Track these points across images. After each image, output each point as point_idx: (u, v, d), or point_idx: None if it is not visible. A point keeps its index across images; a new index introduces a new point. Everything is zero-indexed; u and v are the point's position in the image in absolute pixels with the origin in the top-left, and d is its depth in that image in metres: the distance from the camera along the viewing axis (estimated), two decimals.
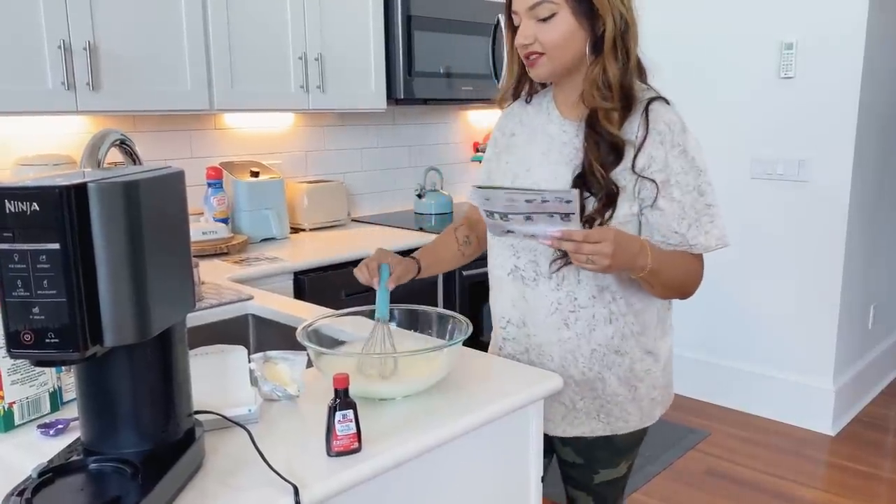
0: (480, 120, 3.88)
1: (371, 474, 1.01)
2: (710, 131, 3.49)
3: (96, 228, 0.79)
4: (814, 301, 3.28)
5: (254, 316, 1.85)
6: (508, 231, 1.24)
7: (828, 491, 2.82)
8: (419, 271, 1.49)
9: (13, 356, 0.79)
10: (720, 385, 3.59)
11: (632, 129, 1.32)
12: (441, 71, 3.12)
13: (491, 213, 1.22)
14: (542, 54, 1.33)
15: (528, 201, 1.16)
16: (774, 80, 3.27)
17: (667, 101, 1.37)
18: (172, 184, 0.91)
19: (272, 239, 2.80)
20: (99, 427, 0.91)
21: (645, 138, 1.31)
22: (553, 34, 1.31)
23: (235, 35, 2.52)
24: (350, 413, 1.01)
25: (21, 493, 0.81)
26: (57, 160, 2.30)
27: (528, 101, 1.49)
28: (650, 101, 1.34)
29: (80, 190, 0.78)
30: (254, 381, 1.18)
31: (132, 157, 1.52)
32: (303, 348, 1.22)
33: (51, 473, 0.86)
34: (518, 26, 1.34)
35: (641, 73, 1.40)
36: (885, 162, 3.49)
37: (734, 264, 3.49)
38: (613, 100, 1.32)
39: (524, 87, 1.48)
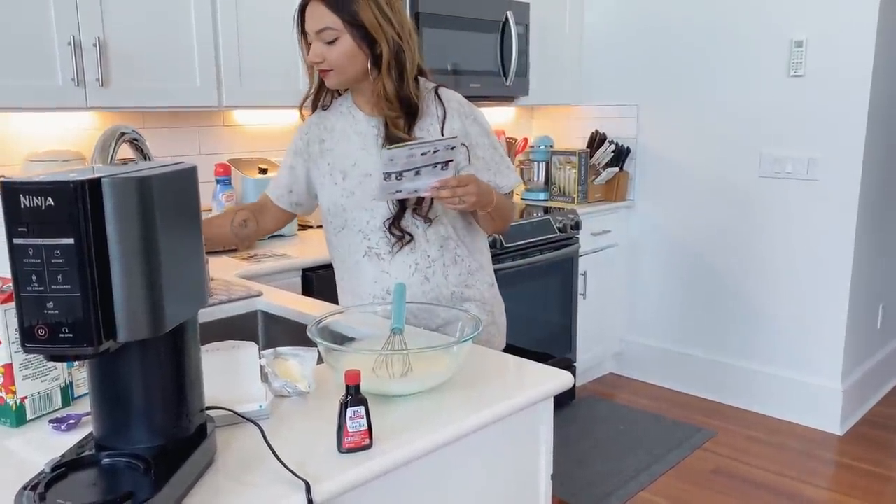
0: (488, 117, 3.87)
1: (382, 471, 1.00)
2: (718, 129, 3.49)
3: (110, 223, 0.79)
4: (822, 300, 3.27)
5: (263, 312, 1.85)
6: (397, 191, 1.46)
7: (836, 491, 2.81)
8: None
9: (27, 351, 0.79)
10: (728, 384, 3.58)
11: (430, 111, 1.61)
12: (448, 68, 3.12)
13: (389, 175, 1.41)
14: (330, 70, 1.56)
15: (423, 154, 1.39)
16: (784, 78, 3.25)
17: (444, 86, 1.67)
18: (186, 179, 0.91)
19: (280, 236, 2.80)
20: (111, 422, 0.91)
21: (445, 114, 1.62)
22: (336, 54, 1.54)
23: (244, 32, 2.52)
24: (361, 409, 1.00)
25: (34, 488, 0.81)
26: (66, 156, 2.30)
27: (325, 108, 1.71)
28: (437, 87, 1.65)
29: (95, 185, 0.78)
30: (264, 378, 1.18)
31: (143, 153, 1.52)
32: (313, 345, 1.22)
33: (63, 468, 0.86)
34: (310, 43, 1.57)
35: (424, 74, 1.66)
36: (893, 161, 3.47)
37: (742, 263, 3.48)
38: (397, 109, 1.58)
39: (323, 95, 1.70)
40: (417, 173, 1.42)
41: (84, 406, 1.12)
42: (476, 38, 3.20)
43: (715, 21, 3.43)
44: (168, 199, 0.86)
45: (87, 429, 1.01)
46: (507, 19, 3.27)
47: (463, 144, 1.61)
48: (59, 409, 1.15)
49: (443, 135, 1.60)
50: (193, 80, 2.41)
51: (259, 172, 2.78)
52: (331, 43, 1.53)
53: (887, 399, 3.67)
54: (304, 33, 1.59)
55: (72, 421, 1.09)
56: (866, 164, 3.13)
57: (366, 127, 1.65)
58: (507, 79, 3.36)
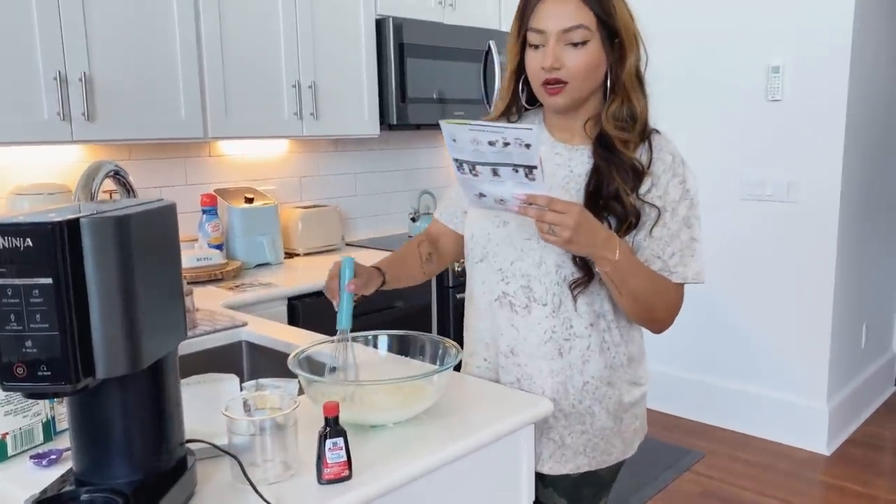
0: None
1: (361, 502, 1.01)
2: (699, 153, 3.53)
3: (88, 263, 0.80)
4: (806, 321, 3.30)
5: (247, 342, 1.86)
6: (480, 194, 1.21)
7: None
8: (383, 283, 1.41)
9: (6, 389, 0.81)
10: (715, 405, 3.60)
11: (636, 156, 1.33)
12: (434, 96, 3.16)
13: (461, 165, 1.18)
14: (565, 83, 1.29)
15: (491, 144, 1.12)
16: (762, 102, 3.31)
17: (658, 132, 1.39)
18: (164, 217, 0.93)
19: (266, 264, 2.81)
20: (91, 457, 0.92)
21: (649, 165, 1.32)
22: (582, 62, 1.27)
23: (229, 64, 2.55)
24: (340, 441, 1.01)
25: None
26: (52, 189, 2.32)
27: None
28: (651, 130, 1.37)
29: (73, 225, 0.80)
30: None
31: (126, 187, 1.54)
32: (295, 376, 1.23)
33: None
34: (536, 46, 1.29)
35: None
36: (871, 182, 3.52)
37: (726, 285, 3.51)
38: (633, 131, 1.32)
39: (512, 113, 1.44)
40: (496, 173, 1.16)
41: (66, 441, 1.13)
42: (459, 67, 3.25)
43: (694, 48, 3.49)
44: (146, 237, 0.87)
45: (68, 464, 1.01)
46: (489, 48, 3.33)
47: (654, 206, 1.32)
48: (41, 444, 1.15)
49: (639, 188, 1.31)
50: (179, 113, 2.43)
51: (245, 202, 2.80)
52: (577, 45, 1.26)
53: (873, 418, 3.69)
54: (521, 35, 1.32)
55: (53, 456, 1.10)
56: (845, 185, 3.18)
57: (548, 152, 1.37)
58: (490, 105, 3.41)
